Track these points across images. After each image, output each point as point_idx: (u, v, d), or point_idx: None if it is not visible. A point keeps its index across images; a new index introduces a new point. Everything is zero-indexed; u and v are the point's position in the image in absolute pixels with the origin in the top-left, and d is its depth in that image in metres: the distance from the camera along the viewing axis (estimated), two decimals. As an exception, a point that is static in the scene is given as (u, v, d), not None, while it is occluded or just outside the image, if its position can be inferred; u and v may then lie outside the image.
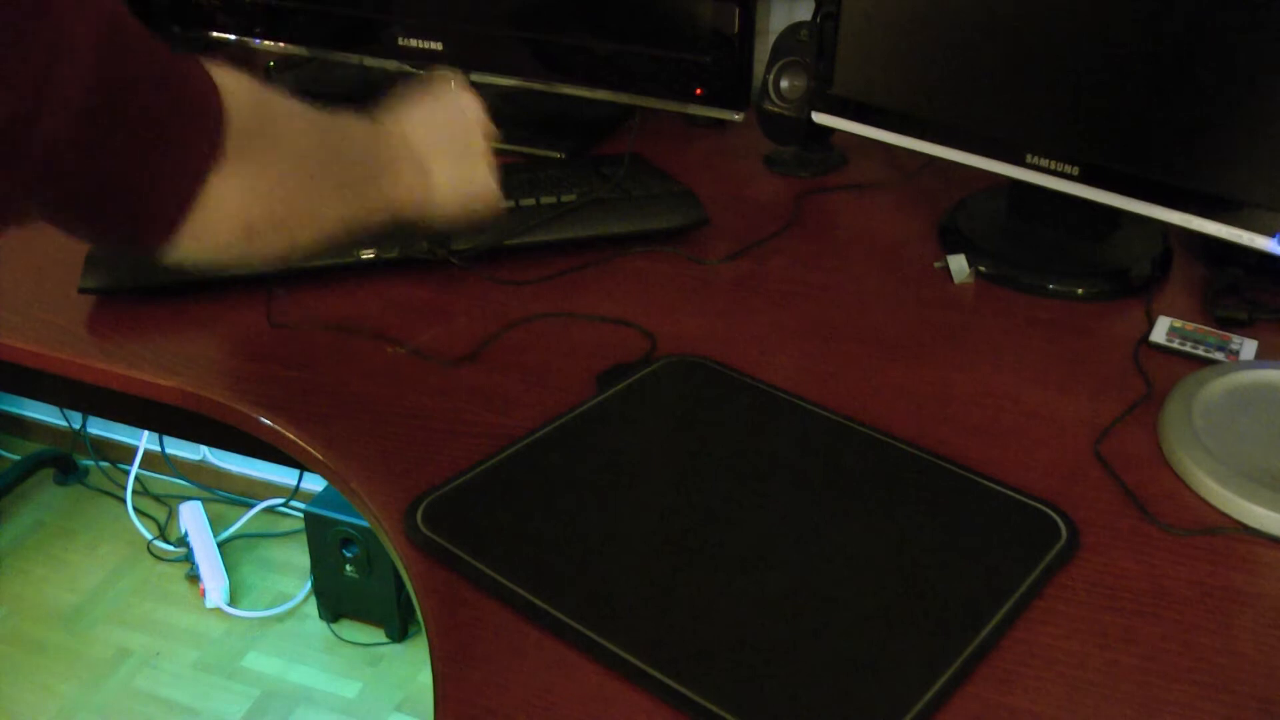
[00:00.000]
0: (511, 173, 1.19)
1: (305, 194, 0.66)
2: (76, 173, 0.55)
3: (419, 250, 1.05)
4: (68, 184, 0.56)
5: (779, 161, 1.31)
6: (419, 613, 0.72)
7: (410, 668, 1.93)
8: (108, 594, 2.08)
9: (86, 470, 2.36)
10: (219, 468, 2.29)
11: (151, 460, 2.31)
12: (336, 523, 1.87)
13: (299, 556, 2.12)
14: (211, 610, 2.04)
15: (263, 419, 0.88)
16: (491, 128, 0.83)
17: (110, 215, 0.59)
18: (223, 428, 0.91)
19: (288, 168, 0.64)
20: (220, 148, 0.59)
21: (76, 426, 2.35)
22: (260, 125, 0.62)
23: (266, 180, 0.62)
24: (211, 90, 0.60)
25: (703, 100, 1.25)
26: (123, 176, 0.57)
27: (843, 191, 1.26)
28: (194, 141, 0.58)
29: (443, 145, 0.79)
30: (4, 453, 2.42)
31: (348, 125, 0.73)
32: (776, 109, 1.29)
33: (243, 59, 1.62)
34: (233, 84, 0.61)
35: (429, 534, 0.75)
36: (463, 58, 1.36)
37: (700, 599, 0.70)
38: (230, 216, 0.61)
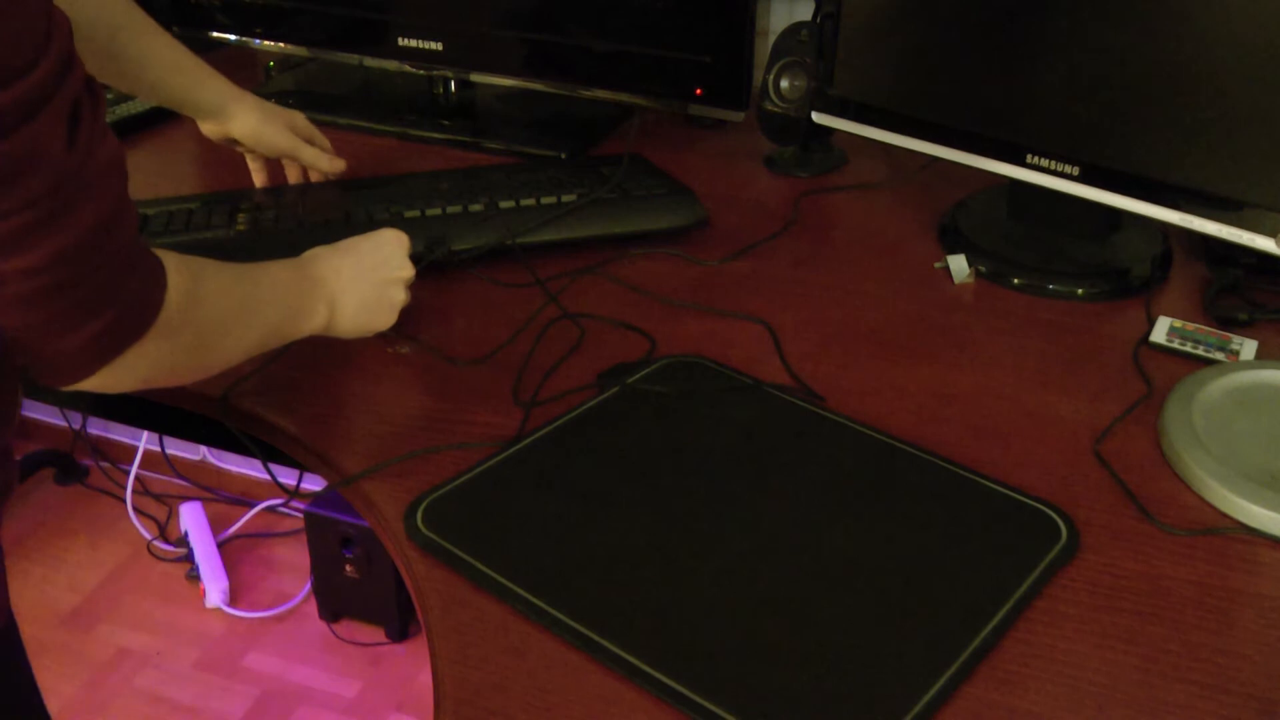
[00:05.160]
0: (511, 173, 1.19)
1: (218, 346, 0.74)
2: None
3: (418, 250, 1.05)
4: None
5: (779, 161, 1.31)
6: (419, 613, 0.72)
7: (410, 668, 1.93)
8: (108, 594, 2.09)
9: (86, 470, 2.36)
10: (219, 468, 2.29)
11: (151, 460, 2.31)
12: (336, 523, 1.87)
13: (299, 556, 2.12)
14: (211, 610, 2.04)
15: (263, 419, 0.88)
16: (409, 270, 0.92)
17: (21, 353, 0.63)
18: (223, 428, 0.91)
19: (205, 328, 0.71)
20: (151, 325, 0.65)
21: (76, 426, 2.35)
22: (188, 300, 0.69)
23: (179, 349, 0.69)
24: (159, 277, 0.66)
25: (703, 100, 1.25)
26: (55, 330, 0.61)
27: (843, 191, 1.26)
28: (130, 315, 0.64)
29: (357, 286, 0.87)
30: (4, 453, 2.41)
31: (272, 276, 0.80)
32: (776, 109, 1.29)
33: (243, 59, 1.62)
34: (174, 264, 0.68)
35: (429, 534, 0.75)
36: (462, 58, 1.36)
37: (700, 599, 0.70)
38: (136, 379, 0.68)
